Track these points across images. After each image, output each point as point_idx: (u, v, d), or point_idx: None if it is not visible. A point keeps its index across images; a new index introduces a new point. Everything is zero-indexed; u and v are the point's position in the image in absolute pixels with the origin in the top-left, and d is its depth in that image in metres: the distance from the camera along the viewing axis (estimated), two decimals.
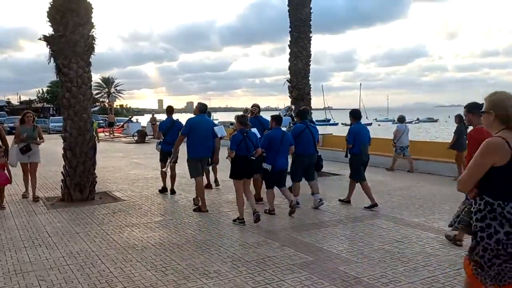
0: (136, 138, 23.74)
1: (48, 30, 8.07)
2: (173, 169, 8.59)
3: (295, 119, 8.51)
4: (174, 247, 5.35)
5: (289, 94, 11.49)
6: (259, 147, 6.59)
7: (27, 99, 69.54)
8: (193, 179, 7.37)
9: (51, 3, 7.97)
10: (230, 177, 6.45)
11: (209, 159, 7.74)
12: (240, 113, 7.56)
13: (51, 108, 57.53)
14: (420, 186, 9.49)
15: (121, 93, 75.95)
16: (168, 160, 8.52)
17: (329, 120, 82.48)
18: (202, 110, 7.56)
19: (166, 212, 7.29)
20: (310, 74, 11.50)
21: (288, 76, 11.53)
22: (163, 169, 8.75)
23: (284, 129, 7.44)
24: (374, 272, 4.48)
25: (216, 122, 11.65)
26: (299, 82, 11.29)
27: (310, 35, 11.46)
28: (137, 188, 9.44)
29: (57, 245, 5.44)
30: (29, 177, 8.31)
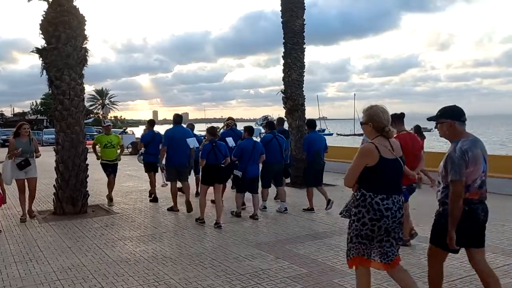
0: (130, 149, 23.62)
1: (41, 42, 8.05)
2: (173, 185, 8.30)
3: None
4: (167, 260, 5.28)
5: (283, 105, 11.51)
6: (228, 156, 7.22)
7: (21, 111, 69.28)
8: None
9: (44, 16, 7.96)
10: (201, 183, 7.24)
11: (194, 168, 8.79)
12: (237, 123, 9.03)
13: (45, 120, 57.31)
14: (415, 195, 9.47)
15: (116, 105, 75.93)
16: (163, 176, 8.72)
17: (323, 130, 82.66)
18: (177, 121, 8.39)
19: (159, 225, 7.21)
20: (304, 85, 11.52)
21: (282, 87, 11.56)
22: (164, 185, 8.94)
23: (255, 138, 8.11)
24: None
25: (199, 133, 12.16)
26: (293, 93, 11.31)
27: (304, 46, 11.53)
28: (131, 201, 9.35)
29: (48, 260, 5.35)
30: (25, 195, 7.63)
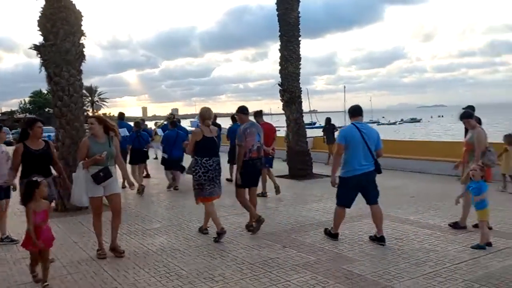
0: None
1: (39, 39, 8.01)
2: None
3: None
4: (175, 252, 5.34)
5: (280, 98, 11.56)
6: (149, 142, 10.71)
7: (9, 110, 68.44)
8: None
9: (42, 12, 7.92)
10: (129, 162, 9.59)
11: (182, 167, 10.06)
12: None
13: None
14: (411, 184, 9.64)
15: (105, 102, 75.36)
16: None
17: (314, 123, 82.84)
18: (120, 117, 11.63)
19: (163, 218, 7.26)
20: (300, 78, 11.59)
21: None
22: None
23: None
24: (377, 269, 4.54)
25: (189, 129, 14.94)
26: (290, 86, 11.37)
27: (299, 38, 11.56)
28: (131, 196, 9.37)
29: (56, 255, 5.35)
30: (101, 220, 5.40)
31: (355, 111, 5.55)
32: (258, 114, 8.79)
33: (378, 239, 5.42)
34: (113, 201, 5.28)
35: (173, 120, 11.25)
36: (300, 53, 11.53)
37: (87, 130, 8.83)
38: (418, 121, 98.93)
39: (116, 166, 5.41)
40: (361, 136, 5.30)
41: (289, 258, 4.96)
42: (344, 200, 5.53)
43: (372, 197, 5.48)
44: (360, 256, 4.98)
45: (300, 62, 11.46)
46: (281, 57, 11.43)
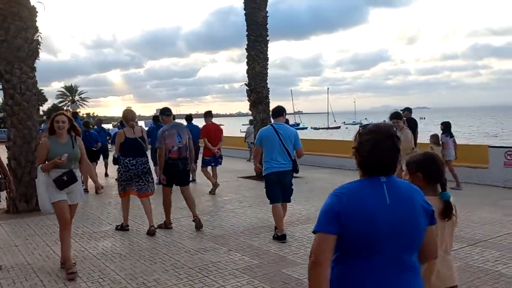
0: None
1: None
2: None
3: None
4: (116, 256, 5.15)
5: (247, 98, 11.44)
6: (98, 142, 10.40)
7: None
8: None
9: None
10: None
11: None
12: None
13: None
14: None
15: (86, 101, 74.14)
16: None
17: (298, 124, 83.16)
18: (74, 116, 10.95)
19: (115, 220, 7.03)
20: (268, 78, 11.49)
21: (247, 80, 11.50)
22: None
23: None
24: None
25: None
26: (257, 86, 11.25)
27: (268, 38, 11.46)
28: (87, 197, 9.11)
29: None
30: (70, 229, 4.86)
31: (276, 113, 5.85)
32: (207, 114, 9.34)
33: (279, 238, 5.60)
34: (71, 212, 4.70)
35: (121, 121, 11.28)
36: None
37: (41, 128, 8.61)
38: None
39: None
40: (277, 136, 5.48)
41: (231, 262, 4.83)
42: (272, 196, 5.66)
43: (286, 196, 5.71)
44: (304, 259, 4.86)
45: (268, 62, 11.36)
46: (248, 57, 11.31)
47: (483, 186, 9.02)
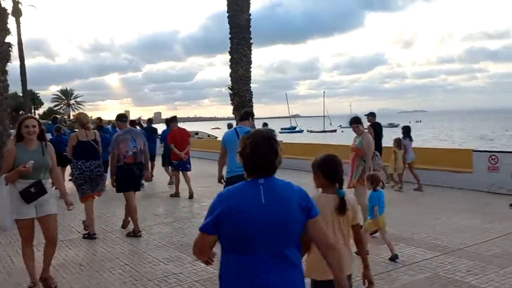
0: None
1: None
2: None
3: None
4: (75, 267, 4.95)
5: (230, 102, 11.27)
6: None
7: None
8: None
9: None
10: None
11: None
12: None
13: None
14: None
15: (82, 105, 73.95)
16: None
17: (294, 128, 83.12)
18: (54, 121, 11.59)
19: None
20: (251, 81, 11.32)
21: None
22: None
23: None
24: None
25: None
26: (240, 89, 11.09)
27: (251, 41, 11.29)
28: (60, 202, 8.87)
29: None
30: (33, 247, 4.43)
31: (242, 116, 5.95)
32: (173, 119, 9.69)
33: None
34: (48, 225, 4.25)
35: (99, 124, 11.12)
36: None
37: (11, 131, 8.40)
38: (396, 126, 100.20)
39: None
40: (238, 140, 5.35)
41: (193, 273, 4.63)
42: None
43: None
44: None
45: (251, 65, 11.19)
46: (231, 60, 11.14)
47: (466, 191, 8.84)
